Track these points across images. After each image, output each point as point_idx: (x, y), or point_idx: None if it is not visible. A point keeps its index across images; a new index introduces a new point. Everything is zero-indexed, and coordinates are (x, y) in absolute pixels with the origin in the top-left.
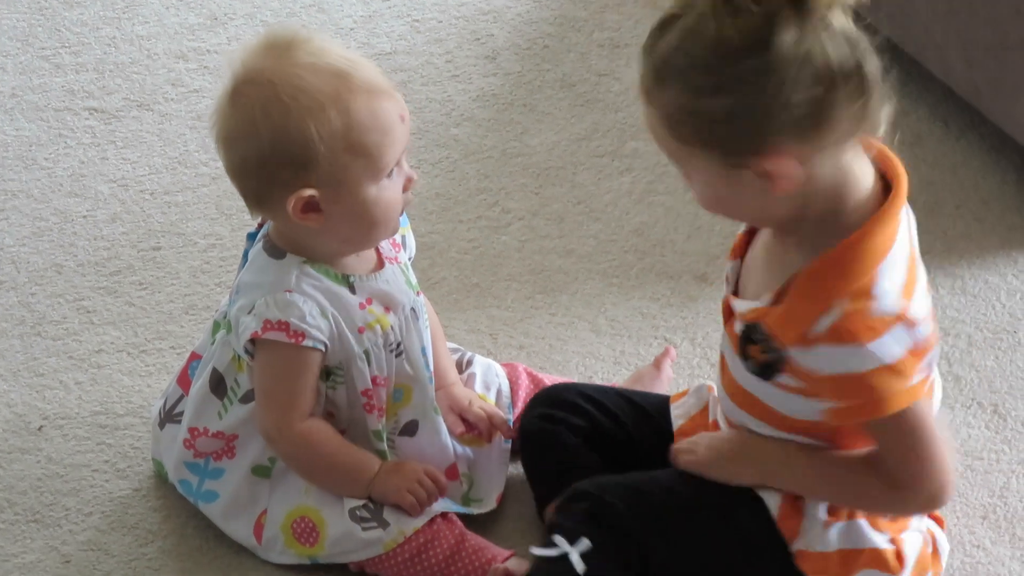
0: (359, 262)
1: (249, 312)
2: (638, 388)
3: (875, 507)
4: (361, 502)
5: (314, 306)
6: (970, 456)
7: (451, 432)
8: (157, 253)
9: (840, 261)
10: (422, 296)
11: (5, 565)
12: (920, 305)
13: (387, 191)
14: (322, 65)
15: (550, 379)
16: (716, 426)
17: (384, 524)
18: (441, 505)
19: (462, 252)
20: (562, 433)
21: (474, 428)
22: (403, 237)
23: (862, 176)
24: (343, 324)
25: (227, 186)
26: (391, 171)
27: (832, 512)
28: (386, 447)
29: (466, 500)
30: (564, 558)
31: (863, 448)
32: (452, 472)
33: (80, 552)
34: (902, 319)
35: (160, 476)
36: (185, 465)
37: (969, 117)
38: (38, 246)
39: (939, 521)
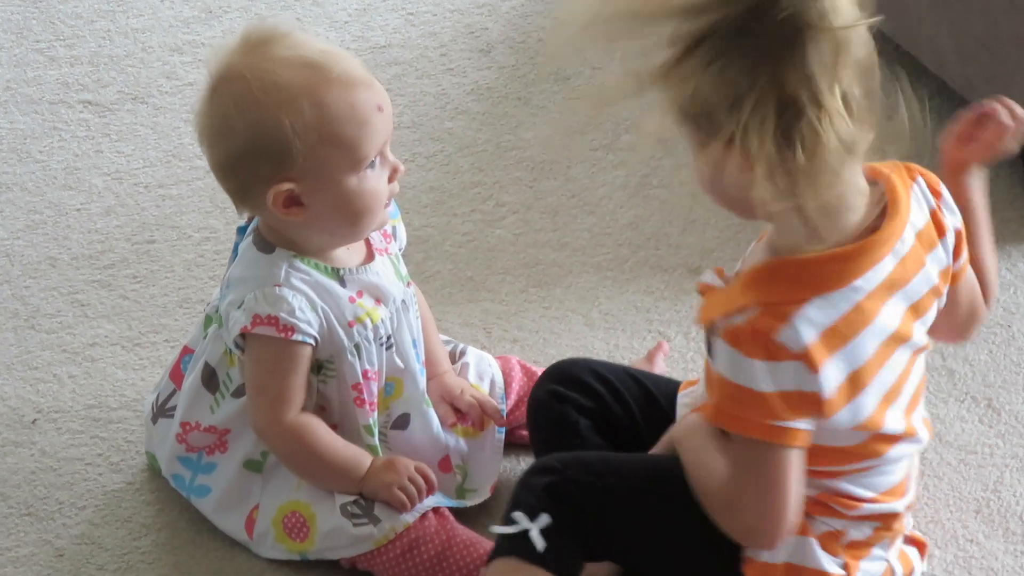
0: (349, 255)
1: (239, 307)
2: None
3: (710, 509)
4: (352, 498)
5: (303, 300)
6: (964, 450)
7: (443, 422)
8: (151, 246)
9: (787, 272)
10: (413, 286)
11: None
12: (841, 380)
13: (369, 182)
14: (296, 58)
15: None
16: None
17: (375, 520)
18: (433, 500)
19: (456, 245)
20: (570, 413)
21: (466, 417)
22: (394, 228)
23: (856, 200)
24: (333, 318)
25: None
26: (373, 162)
27: None
28: (377, 442)
29: (460, 492)
30: (524, 535)
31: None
32: (445, 464)
33: (73, 546)
34: (803, 358)
35: (153, 469)
36: (178, 460)
37: (962, 111)
38: (32, 239)
39: (920, 545)
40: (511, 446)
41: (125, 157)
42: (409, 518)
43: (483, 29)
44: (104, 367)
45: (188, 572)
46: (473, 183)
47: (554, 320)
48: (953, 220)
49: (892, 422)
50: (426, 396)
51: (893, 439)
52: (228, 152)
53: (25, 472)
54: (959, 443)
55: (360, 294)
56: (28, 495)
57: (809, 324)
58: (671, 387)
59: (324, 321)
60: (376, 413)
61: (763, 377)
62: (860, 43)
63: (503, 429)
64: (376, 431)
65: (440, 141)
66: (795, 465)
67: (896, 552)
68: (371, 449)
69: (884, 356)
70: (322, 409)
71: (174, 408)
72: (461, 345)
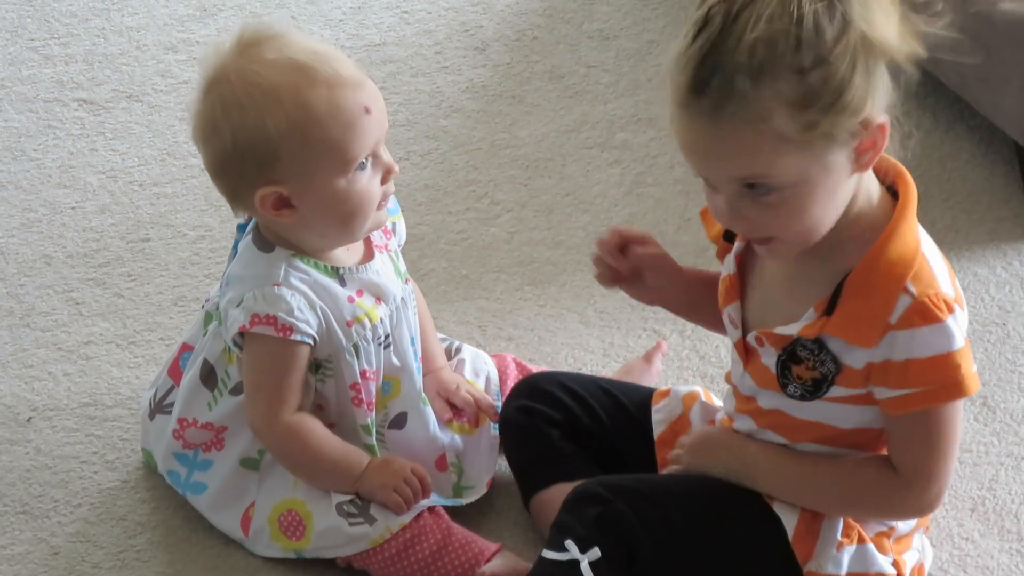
0: (348, 253)
1: (238, 305)
2: (628, 380)
3: (864, 508)
4: (348, 497)
5: (302, 300)
6: (959, 448)
7: (439, 418)
8: (146, 244)
9: (887, 253)
10: (411, 283)
11: None
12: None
13: (358, 183)
14: (283, 60)
15: (539, 370)
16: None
17: (371, 520)
18: (429, 500)
19: (451, 244)
20: (540, 425)
21: (461, 413)
22: (394, 224)
23: (871, 180)
24: (332, 317)
25: None
26: (364, 163)
27: (846, 534)
28: (375, 441)
29: (457, 490)
30: (572, 563)
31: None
32: (441, 463)
33: (69, 543)
34: (958, 303)
35: (149, 466)
36: (174, 456)
37: (958, 109)
38: (27, 237)
39: (924, 527)
40: None
41: (120, 155)
42: (405, 518)
43: (478, 27)
44: (99, 365)
45: (183, 570)
46: (468, 181)
47: (549, 318)
48: None
49: None
50: (423, 394)
51: None
52: (217, 154)
53: (20, 470)
54: None
55: (360, 293)
56: (23, 493)
57: (939, 272)
58: (642, 396)
59: (323, 321)
60: (374, 413)
61: (956, 332)
62: None
63: (498, 425)
64: (374, 431)
65: (435, 139)
66: None
67: (921, 539)
68: (369, 449)
69: None
70: (320, 408)
71: (172, 404)
72: (457, 342)
